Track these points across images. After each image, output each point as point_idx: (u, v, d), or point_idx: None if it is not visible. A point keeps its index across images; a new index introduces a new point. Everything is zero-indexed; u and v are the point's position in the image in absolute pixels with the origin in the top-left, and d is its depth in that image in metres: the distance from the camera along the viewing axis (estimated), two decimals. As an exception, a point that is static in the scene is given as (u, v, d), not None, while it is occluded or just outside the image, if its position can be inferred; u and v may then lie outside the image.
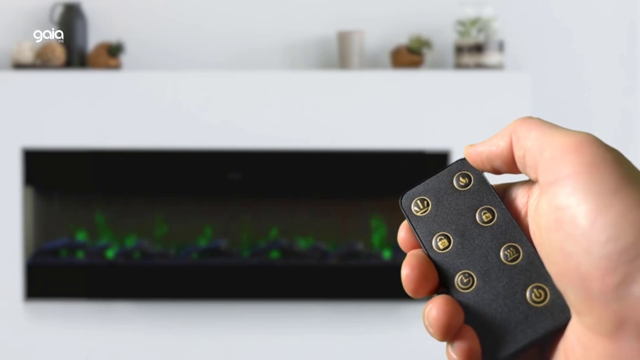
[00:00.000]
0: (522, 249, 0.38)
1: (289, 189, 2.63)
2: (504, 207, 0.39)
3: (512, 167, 0.38)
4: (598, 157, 0.34)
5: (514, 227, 0.39)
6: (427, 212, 0.40)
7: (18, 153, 2.51)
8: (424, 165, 2.54)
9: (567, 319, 0.36)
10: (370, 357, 2.57)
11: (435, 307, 0.37)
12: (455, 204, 0.40)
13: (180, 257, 2.61)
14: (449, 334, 0.37)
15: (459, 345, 0.37)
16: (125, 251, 2.61)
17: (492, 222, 0.39)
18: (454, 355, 0.37)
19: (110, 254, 2.60)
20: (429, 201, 0.41)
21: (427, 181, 0.42)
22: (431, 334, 0.38)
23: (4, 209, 2.51)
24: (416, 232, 0.40)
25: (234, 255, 2.61)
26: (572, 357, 0.35)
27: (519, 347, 0.36)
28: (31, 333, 2.54)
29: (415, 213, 0.41)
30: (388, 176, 2.57)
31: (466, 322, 0.38)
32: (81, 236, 2.65)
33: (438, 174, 0.42)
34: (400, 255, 2.59)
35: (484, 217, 0.39)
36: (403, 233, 0.41)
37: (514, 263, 0.38)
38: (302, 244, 2.65)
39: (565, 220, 0.34)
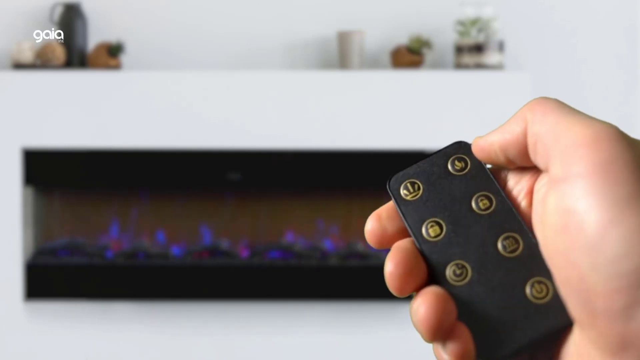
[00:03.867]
0: (523, 240, 0.34)
1: (289, 188, 2.63)
2: (503, 194, 0.36)
3: (525, 157, 0.34)
4: (615, 155, 0.31)
5: (514, 216, 0.35)
6: (417, 196, 0.37)
7: (18, 153, 2.51)
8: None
9: (571, 319, 0.32)
10: (370, 357, 2.57)
11: (424, 304, 0.33)
12: (450, 189, 0.36)
13: (180, 257, 2.61)
14: (439, 334, 0.33)
15: (452, 346, 0.33)
16: (125, 251, 2.61)
17: (490, 210, 0.35)
18: (445, 357, 0.33)
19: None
20: (420, 184, 0.37)
21: (419, 163, 0.38)
22: (420, 333, 0.33)
23: (4, 209, 2.51)
24: (405, 218, 0.36)
25: (234, 256, 2.61)
26: None
27: (517, 346, 0.33)
28: (31, 333, 2.54)
29: (405, 197, 0.37)
30: (387, 177, 2.56)
31: (458, 319, 0.33)
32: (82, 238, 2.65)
33: (432, 157, 0.38)
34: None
35: (480, 204, 0.36)
36: (371, 224, 0.36)
37: (513, 255, 0.34)
38: (302, 243, 2.65)
39: (572, 226, 0.30)
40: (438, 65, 2.73)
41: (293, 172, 2.57)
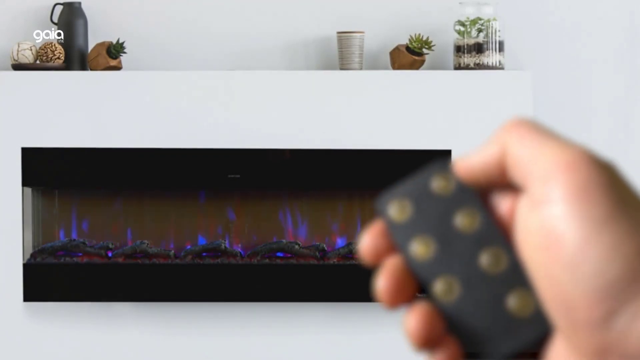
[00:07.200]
0: (505, 255, 0.36)
1: (289, 188, 2.63)
2: (485, 211, 0.37)
3: (505, 176, 0.36)
4: (591, 179, 0.33)
5: (495, 232, 0.37)
6: (404, 216, 0.38)
7: (18, 153, 2.51)
8: (424, 165, 2.54)
9: (552, 327, 0.35)
10: (371, 357, 2.57)
11: (414, 317, 0.36)
12: (435, 208, 0.38)
13: (180, 257, 2.60)
14: (428, 345, 0.35)
15: (441, 354, 0.35)
16: (125, 251, 2.61)
17: (473, 227, 0.37)
18: None
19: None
20: (407, 205, 0.38)
21: (405, 184, 0.40)
22: (410, 344, 0.36)
23: (4, 209, 2.51)
24: (394, 237, 0.38)
25: (234, 255, 2.61)
26: None
27: (503, 357, 0.35)
28: (31, 333, 2.54)
29: (393, 217, 0.38)
30: (388, 176, 2.56)
31: (448, 331, 0.36)
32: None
33: (416, 176, 0.40)
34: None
35: (464, 221, 0.37)
36: (365, 242, 0.38)
37: (495, 270, 0.36)
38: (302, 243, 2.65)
39: (552, 246, 0.33)
40: (438, 65, 2.73)
41: (293, 172, 2.57)
